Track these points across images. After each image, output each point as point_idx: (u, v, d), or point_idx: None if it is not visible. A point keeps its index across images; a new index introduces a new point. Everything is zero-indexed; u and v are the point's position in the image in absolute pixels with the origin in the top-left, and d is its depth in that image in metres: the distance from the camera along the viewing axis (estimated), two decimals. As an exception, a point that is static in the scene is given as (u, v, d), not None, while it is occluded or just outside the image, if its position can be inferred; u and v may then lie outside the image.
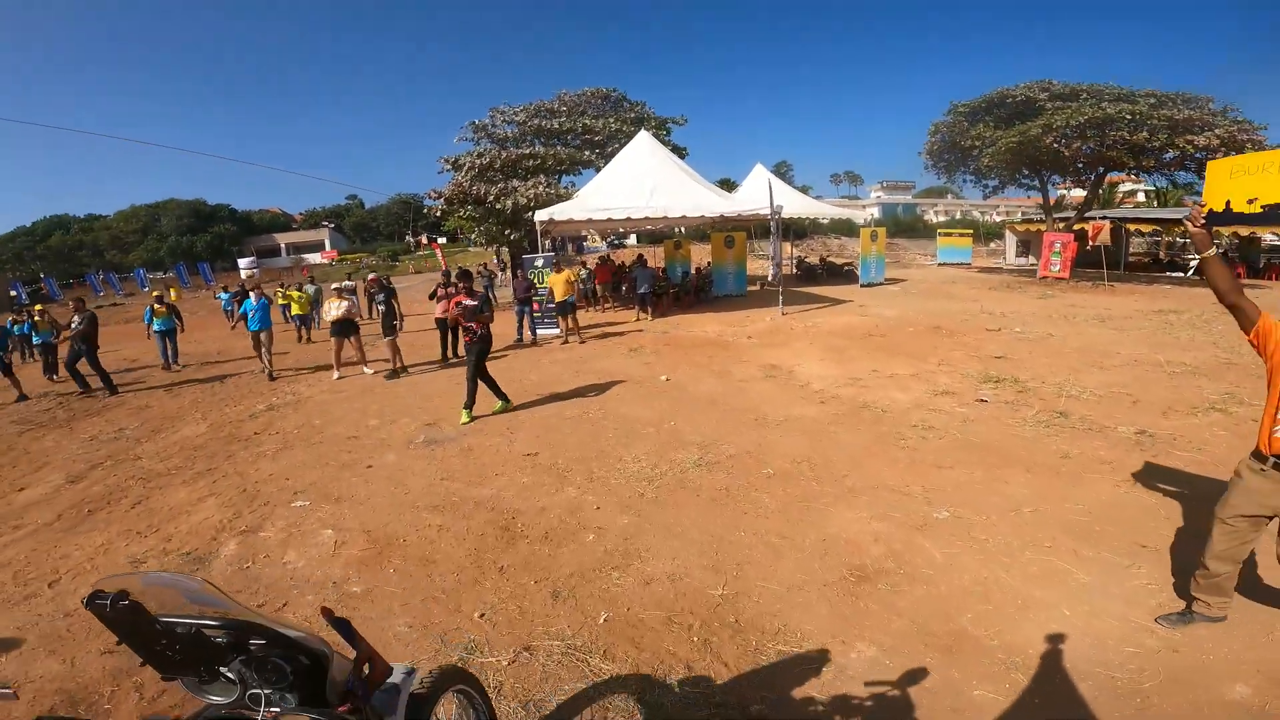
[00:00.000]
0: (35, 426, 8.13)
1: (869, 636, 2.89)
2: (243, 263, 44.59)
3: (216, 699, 1.19)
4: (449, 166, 23.62)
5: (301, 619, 3.27)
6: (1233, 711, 2.37)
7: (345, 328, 9.50)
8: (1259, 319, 2.64)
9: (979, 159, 23.75)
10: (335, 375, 9.62)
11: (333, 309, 9.43)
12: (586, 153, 22.38)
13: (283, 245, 63.01)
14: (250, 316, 10.23)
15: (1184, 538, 3.59)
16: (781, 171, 75.01)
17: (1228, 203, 1.63)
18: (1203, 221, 2.61)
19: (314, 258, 56.33)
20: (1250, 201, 1.53)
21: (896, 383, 7.26)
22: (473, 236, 25.96)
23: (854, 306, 14.26)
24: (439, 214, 26.23)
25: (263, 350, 10.23)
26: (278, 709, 1.18)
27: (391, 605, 3.35)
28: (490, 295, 11.83)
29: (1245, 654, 2.66)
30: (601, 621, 3.10)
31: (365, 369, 9.92)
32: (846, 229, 39.41)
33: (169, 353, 11.94)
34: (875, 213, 62.44)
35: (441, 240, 50.20)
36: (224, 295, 19.21)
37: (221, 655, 1.14)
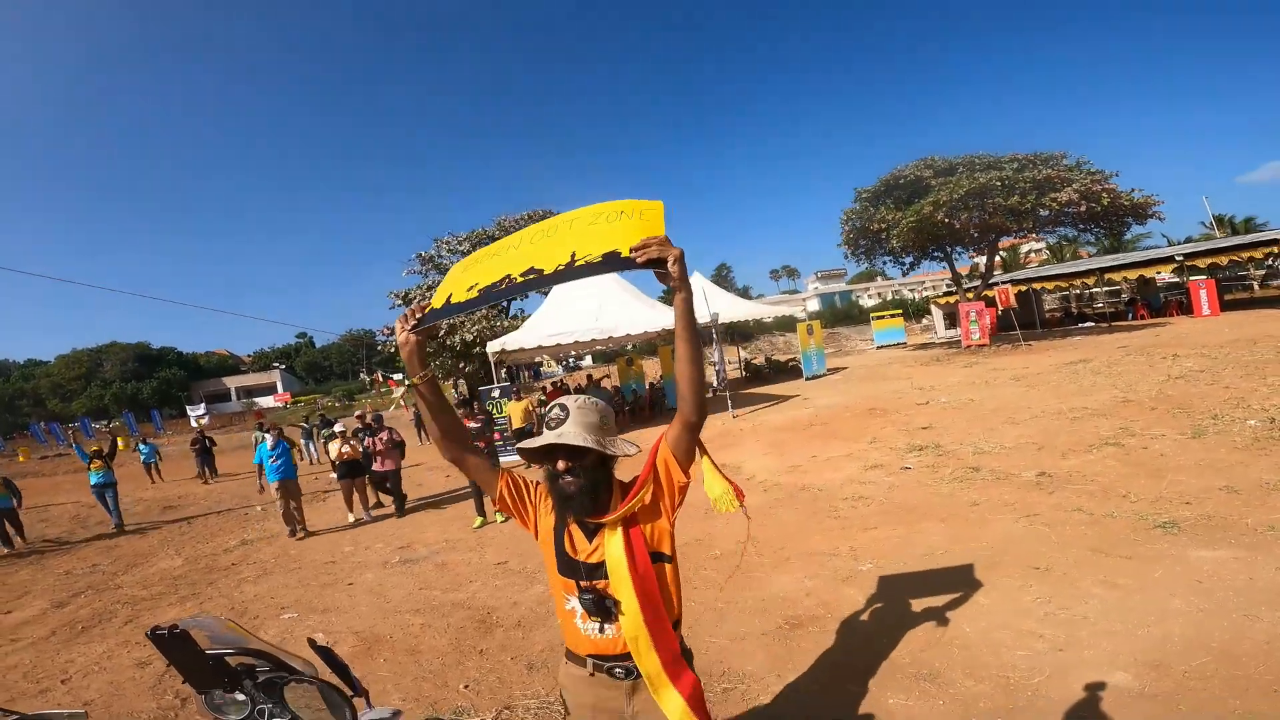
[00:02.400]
0: (6, 560, 8.27)
1: (800, 668, 3.32)
2: (192, 410, 43.58)
3: (230, 717, 1.46)
4: (399, 301, 24.36)
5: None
6: (1114, 694, 2.83)
7: (354, 469, 9.03)
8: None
9: (889, 241, 24.96)
10: (351, 518, 8.92)
11: (331, 450, 9.17)
12: None
13: (233, 389, 61.81)
14: (269, 466, 8.65)
15: (1071, 555, 4.17)
16: (723, 274, 79.06)
17: (448, 296, 1.67)
18: (411, 325, 1.73)
19: (266, 401, 55.30)
20: (470, 289, 1.63)
21: (832, 464, 7.88)
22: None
23: (798, 400, 15.12)
24: (392, 350, 26.90)
25: (290, 504, 8.52)
26: None
27: (385, 686, 3.74)
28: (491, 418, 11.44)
29: (1123, 647, 3.13)
30: None
31: (365, 514, 9.12)
32: (789, 325, 41.53)
33: (112, 509, 10.86)
34: (814, 304, 66.15)
35: (397, 377, 50.71)
36: (144, 448, 18.63)
37: (238, 677, 1.44)
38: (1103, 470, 5.93)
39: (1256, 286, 31.97)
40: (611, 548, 1.62)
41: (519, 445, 1.59)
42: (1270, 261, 22.80)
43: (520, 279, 1.62)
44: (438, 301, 1.71)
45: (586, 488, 1.62)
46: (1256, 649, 2.93)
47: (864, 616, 3.81)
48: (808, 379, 19.67)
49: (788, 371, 22.78)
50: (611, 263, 1.51)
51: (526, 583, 5.29)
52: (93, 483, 10.92)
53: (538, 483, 1.79)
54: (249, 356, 75.08)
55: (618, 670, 1.67)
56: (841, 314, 52.70)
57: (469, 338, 19.25)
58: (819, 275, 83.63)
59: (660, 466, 1.68)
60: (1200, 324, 19.30)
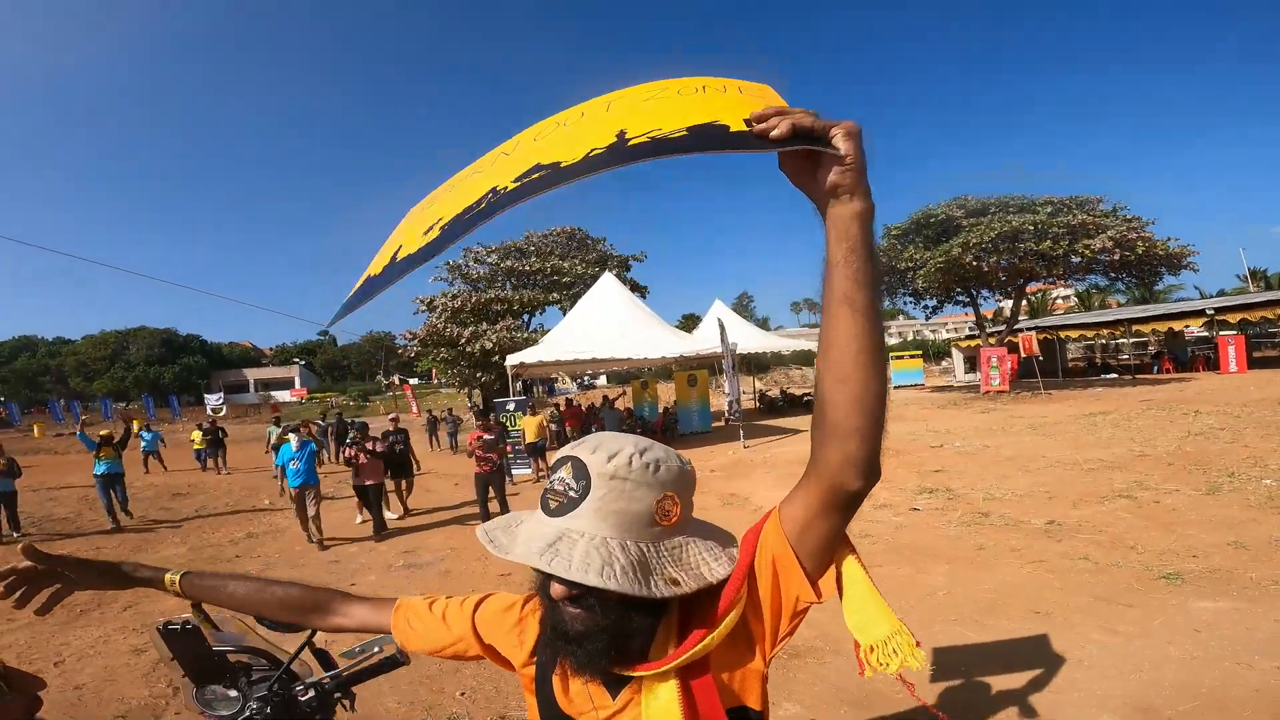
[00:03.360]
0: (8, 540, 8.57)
1: (796, 698, 3.37)
2: (209, 398, 44.28)
3: (222, 713, 1.41)
4: (424, 307, 24.76)
5: None
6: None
7: (400, 470, 9.24)
8: None
9: (914, 281, 24.91)
10: (359, 519, 8.90)
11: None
12: (554, 294, 23.92)
13: (251, 381, 62.92)
14: (290, 469, 7.95)
15: (1074, 601, 4.19)
16: (743, 304, 79.26)
17: (394, 253, 1.01)
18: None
19: (283, 395, 56.11)
20: (429, 229, 0.92)
21: (842, 499, 7.89)
22: (444, 379, 26.83)
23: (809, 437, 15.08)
24: (412, 354, 27.43)
25: (308, 513, 7.85)
26: None
27: (381, 688, 3.76)
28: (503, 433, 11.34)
29: (1114, 690, 3.18)
30: None
31: (388, 513, 9.06)
32: (807, 358, 41.45)
33: (115, 503, 9.62)
34: (833, 342, 65.44)
35: (413, 381, 51.25)
36: (146, 435, 17.52)
37: (235, 673, 1.41)
38: (1113, 521, 5.91)
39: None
40: (655, 712, 0.91)
41: (482, 527, 1.01)
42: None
43: (515, 185, 0.80)
44: (376, 267, 0.98)
45: (608, 629, 0.89)
46: (1246, 695, 2.98)
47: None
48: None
49: (802, 406, 22.72)
50: (705, 139, 0.75)
51: None
52: (97, 472, 9.58)
53: (527, 599, 1.13)
54: (271, 350, 76.27)
55: None
56: (861, 351, 52.26)
57: (489, 345, 19.52)
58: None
59: (763, 568, 0.90)
60: (1226, 380, 19.00)
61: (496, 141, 1.04)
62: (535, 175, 0.81)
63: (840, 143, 0.73)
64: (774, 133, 0.72)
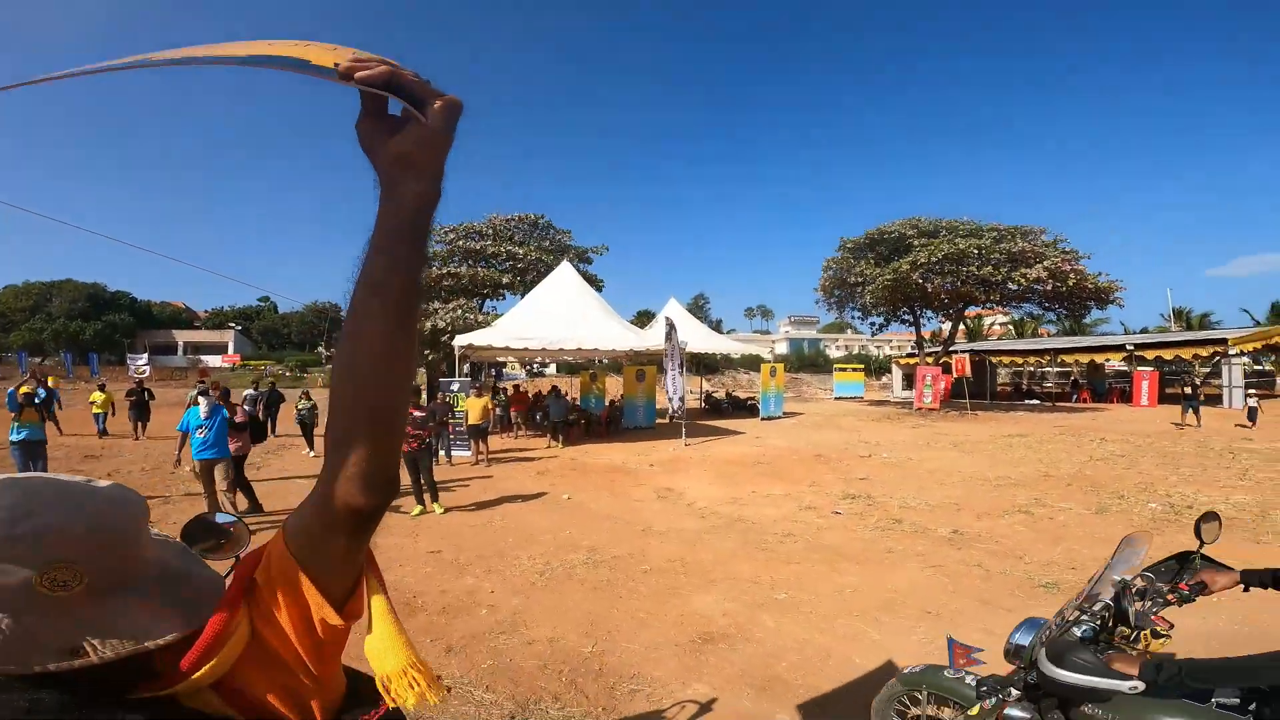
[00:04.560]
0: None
1: (705, 679, 3.62)
2: (133, 358, 41.40)
3: None
4: None
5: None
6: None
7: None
8: None
9: (863, 296, 25.61)
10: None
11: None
12: (507, 277, 23.76)
13: (181, 343, 59.61)
14: (195, 439, 7.10)
15: (961, 603, 4.60)
16: (699, 304, 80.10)
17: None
18: None
19: (214, 360, 53.50)
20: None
21: (771, 501, 8.27)
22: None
23: (750, 438, 15.57)
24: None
25: (216, 490, 7.16)
26: None
27: None
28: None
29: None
30: (486, 666, 3.74)
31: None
32: (755, 364, 42.31)
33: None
34: (783, 348, 67.34)
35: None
36: (40, 392, 13.87)
37: None
38: (1009, 534, 6.43)
39: (1198, 382, 33.76)
40: None
41: None
42: (1215, 360, 24.27)
43: (159, 60, 0.69)
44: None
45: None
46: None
47: (770, 639, 4.13)
48: (763, 419, 20.19)
49: (745, 409, 23.30)
50: (296, 66, 0.65)
51: (457, 573, 5.47)
52: (14, 439, 8.32)
53: None
54: (205, 313, 72.80)
55: None
56: (807, 361, 53.85)
57: (440, 324, 19.29)
58: (792, 320, 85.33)
59: (271, 584, 0.74)
60: (1136, 413, 20.46)
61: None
62: (175, 59, 0.67)
63: (434, 112, 0.64)
64: (365, 73, 0.61)
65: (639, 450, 13.81)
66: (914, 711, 2.61)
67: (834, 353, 64.68)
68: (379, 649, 0.80)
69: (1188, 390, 17.15)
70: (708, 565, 5.65)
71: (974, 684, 2.20)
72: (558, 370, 44.05)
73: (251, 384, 18.37)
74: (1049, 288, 21.95)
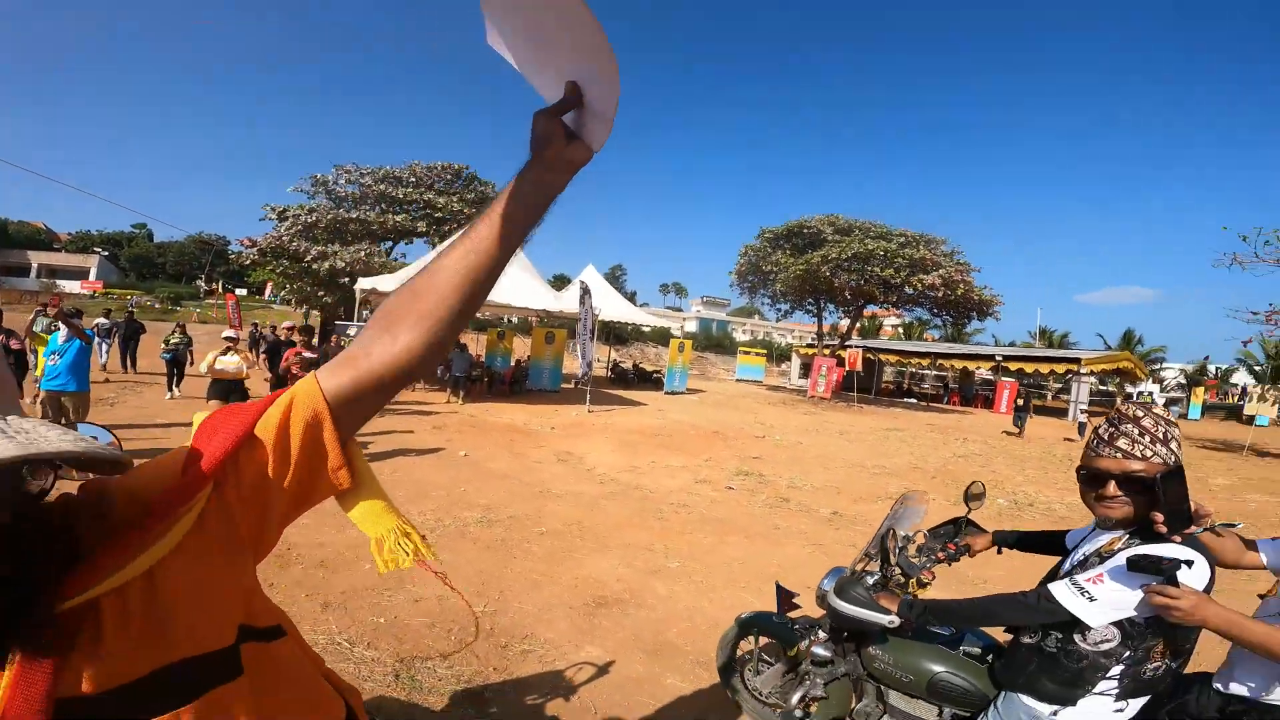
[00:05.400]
0: None
1: (597, 642, 3.69)
2: None
3: None
4: (273, 215, 22.66)
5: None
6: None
7: (228, 389, 7.73)
8: None
9: (774, 283, 27.02)
10: None
11: (220, 363, 7.62)
12: (423, 225, 22.70)
13: (35, 265, 52.92)
14: (48, 366, 6.45)
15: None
16: (616, 275, 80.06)
17: None
18: None
19: (72, 286, 47.83)
20: None
21: (668, 472, 8.50)
22: (281, 294, 24.63)
23: (653, 410, 15.87)
24: (247, 263, 24.65)
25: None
26: None
27: None
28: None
29: None
30: (368, 623, 3.62)
31: None
32: (664, 338, 42.95)
33: None
34: (693, 326, 68.74)
35: (240, 292, 45.81)
36: None
37: None
38: (880, 518, 6.96)
39: (1050, 396, 37.88)
40: (129, 670, 0.64)
41: None
42: (1067, 377, 27.29)
43: None
44: None
45: None
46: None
47: (662, 606, 4.27)
48: (667, 393, 20.62)
49: (651, 382, 23.68)
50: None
51: (340, 526, 5.13)
52: None
53: None
54: (68, 235, 64.72)
55: None
56: (714, 341, 55.17)
57: (340, 265, 18.14)
58: (704, 300, 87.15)
59: (281, 429, 0.73)
60: (995, 418, 22.58)
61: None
62: None
63: (597, 144, 0.81)
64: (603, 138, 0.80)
65: (541, 413, 13.72)
66: (748, 649, 3.01)
67: (740, 336, 66.69)
68: (369, 512, 0.82)
69: (1019, 402, 19.07)
70: (604, 530, 5.74)
71: (795, 628, 2.60)
72: (468, 327, 42.59)
73: (103, 312, 16.54)
74: (941, 295, 23.85)
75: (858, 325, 32.21)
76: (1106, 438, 1.70)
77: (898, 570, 2.24)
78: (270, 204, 22.77)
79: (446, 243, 0.87)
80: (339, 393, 0.76)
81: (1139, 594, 1.55)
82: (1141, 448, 1.63)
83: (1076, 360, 26.28)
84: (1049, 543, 2.20)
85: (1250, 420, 20.94)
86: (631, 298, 62.67)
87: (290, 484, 0.74)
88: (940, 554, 2.32)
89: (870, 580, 2.20)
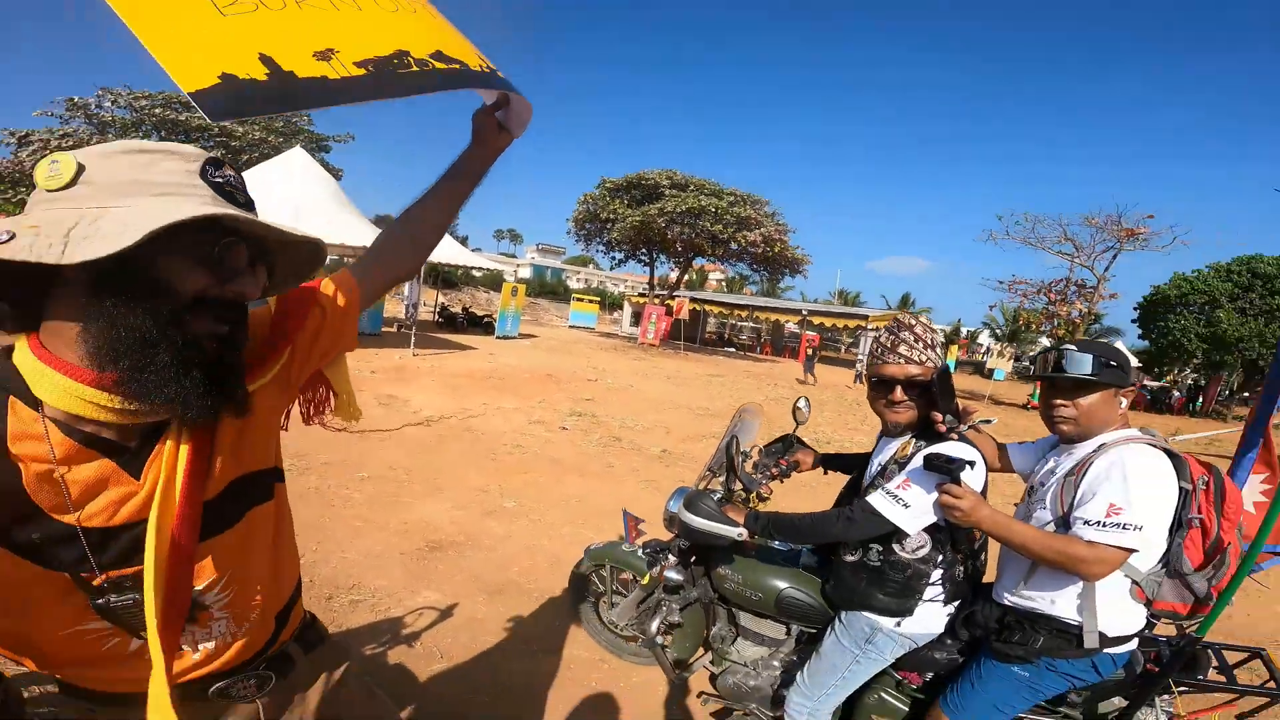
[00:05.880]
0: None
1: (435, 586, 3.55)
2: None
3: None
4: (12, 139, 18.72)
5: None
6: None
7: None
8: None
9: (610, 232, 27.61)
10: None
11: None
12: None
13: None
14: None
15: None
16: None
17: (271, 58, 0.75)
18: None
19: None
20: (323, 56, 0.80)
21: (501, 414, 8.33)
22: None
23: (483, 354, 15.38)
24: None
25: None
26: None
27: None
28: None
29: None
30: None
31: None
32: (496, 283, 41.47)
33: None
34: (526, 272, 67.27)
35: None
36: None
37: None
38: (705, 454, 7.43)
39: (843, 349, 42.93)
40: (227, 473, 0.89)
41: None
42: (857, 332, 31.21)
43: (423, 66, 0.91)
44: (247, 65, 0.74)
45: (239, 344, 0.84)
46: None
47: (500, 546, 4.21)
48: (499, 337, 20.09)
49: (481, 326, 22.88)
50: (504, 84, 1.08)
51: None
52: None
53: None
54: None
55: (247, 683, 1.01)
56: (549, 288, 54.56)
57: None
58: (539, 247, 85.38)
59: (325, 309, 1.02)
60: (800, 367, 25.16)
61: None
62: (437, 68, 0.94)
63: (518, 131, 1.21)
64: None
65: (361, 356, 12.66)
66: (599, 583, 3.00)
67: (575, 284, 66.64)
68: (344, 378, 1.19)
69: (809, 352, 21.36)
70: (433, 474, 5.49)
71: (645, 556, 2.61)
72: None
73: None
74: (761, 251, 25.84)
75: (686, 277, 33.72)
76: (889, 345, 1.85)
77: (739, 486, 2.33)
78: (9, 128, 18.61)
79: (416, 198, 1.22)
80: (363, 282, 1.12)
81: (938, 495, 1.69)
82: (918, 353, 1.81)
83: (865, 317, 29.93)
84: (864, 462, 2.39)
85: (990, 374, 25.34)
86: (463, 242, 59.32)
87: (337, 331, 1.06)
88: (774, 470, 2.42)
89: (716, 496, 2.25)
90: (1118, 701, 1.95)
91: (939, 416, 1.76)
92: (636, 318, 32.60)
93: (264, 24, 0.80)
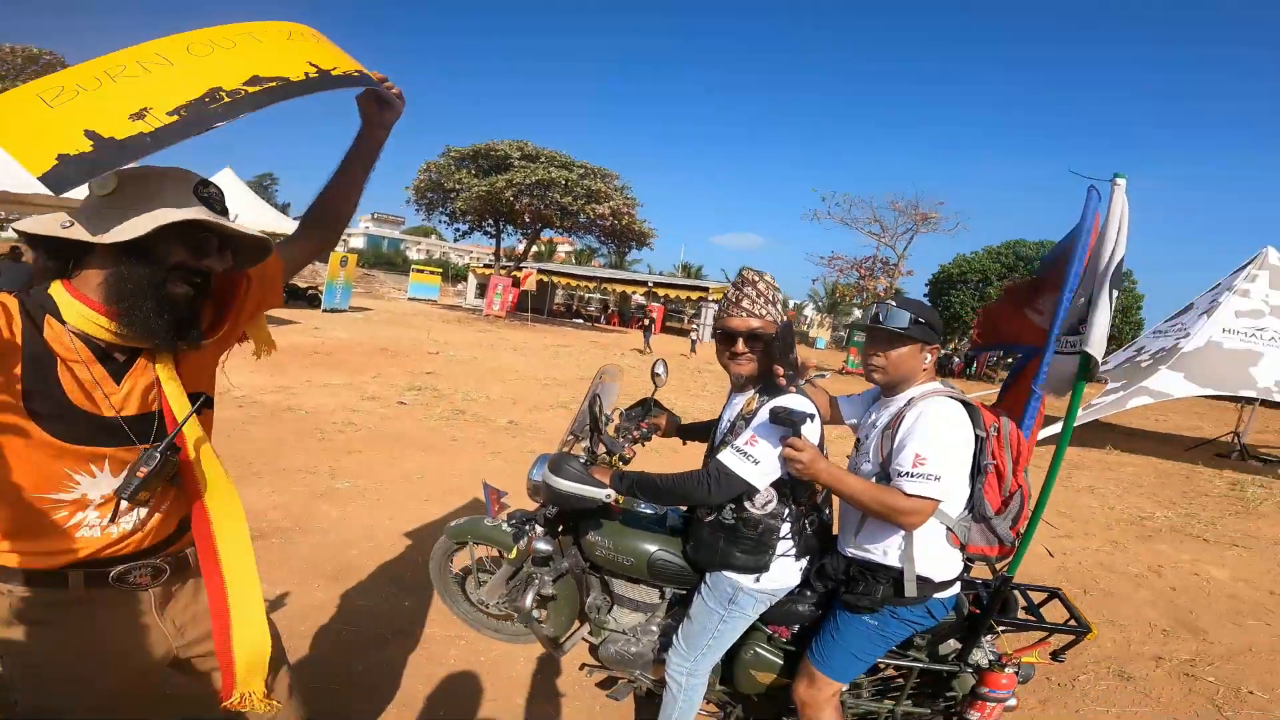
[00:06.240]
0: None
1: (263, 575, 3.18)
2: None
3: None
4: None
5: None
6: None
7: None
8: None
9: (455, 201, 26.36)
10: None
11: None
12: None
13: None
14: None
15: (520, 484, 5.14)
16: (264, 184, 66.23)
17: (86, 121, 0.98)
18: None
19: None
20: (138, 116, 1.01)
21: (328, 391, 7.71)
22: None
23: (308, 329, 14.04)
24: None
25: None
26: None
27: None
28: None
29: None
30: None
31: None
32: (323, 255, 37.74)
33: None
34: (360, 242, 61.96)
35: None
36: None
37: None
38: (553, 424, 7.49)
39: (686, 319, 44.76)
40: (171, 387, 1.24)
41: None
42: (699, 303, 32.64)
43: (241, 92, 1.12)
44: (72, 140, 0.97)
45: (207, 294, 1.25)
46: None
47: (335, 529, 3.93)
48: (325, 310, 18.46)
49: (305, 299, 20.81)
50: (355, 81, 1.37)
51: None
52: None
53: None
54: None
55: (144, 570, 1.29)
56: (385, 258, 51.05)
57: None
58: (375, 216, 78.81)
59: (262, 283, 1.42)
60: (640, 338, 25.95)
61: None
62: (261, 89, 1.15)
63: (399, 108, 1.49)
64: (396, 91, 1.46)
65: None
66: (465, 562, 2.79)
67: (415, 255, 62.75)
68: (258, 328, 1.51)
69: (646, 322, 22.19)
70: (249, 457, 4.97)
71: (510, 529, 2.42)
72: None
73: None
74: (609, 224, 25.98)
75: (534, 249, 33.12)
76: (734, 299, 1.93)
77: (603, 450, 2.31)
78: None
79: (330, 176, 1.51)
80: (288, 264, 1.50)
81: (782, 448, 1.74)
82: (760, 307, 1.89)
83: (706, 289, 31.48)
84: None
85: (813, 343, 27.86)
86: (284, 210, 53.01)
87: (261, 296, 1.43)
88: (635, 433, 2.42)
89: (581, 460, 2.17)
90: (953, 644, 2.11)
91: (780, 370, 1.84)
92: (482, 290, 31.57)
93: (85, 105, 1.02)
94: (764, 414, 1.78)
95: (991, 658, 2.06)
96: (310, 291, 21.33)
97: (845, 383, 16.40)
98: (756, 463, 1.77)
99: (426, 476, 5.11)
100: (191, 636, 1.39)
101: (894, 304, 1.88)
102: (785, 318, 1.95)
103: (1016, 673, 2.04)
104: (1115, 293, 1.76)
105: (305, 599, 3.12)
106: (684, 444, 2.57)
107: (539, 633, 2.39)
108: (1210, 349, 9.95)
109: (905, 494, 1.68)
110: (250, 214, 15.85)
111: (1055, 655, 2.23)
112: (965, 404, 1.84)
